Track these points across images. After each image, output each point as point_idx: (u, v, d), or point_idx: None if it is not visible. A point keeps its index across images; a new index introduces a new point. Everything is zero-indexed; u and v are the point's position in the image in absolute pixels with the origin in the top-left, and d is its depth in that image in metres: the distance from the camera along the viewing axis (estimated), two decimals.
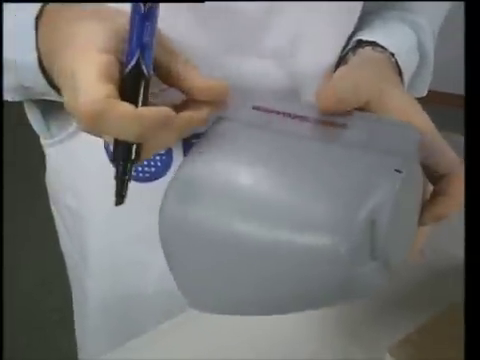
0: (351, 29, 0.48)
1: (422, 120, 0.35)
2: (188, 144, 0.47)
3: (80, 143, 0.52)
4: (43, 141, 0.56)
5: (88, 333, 0.62)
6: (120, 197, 0.31)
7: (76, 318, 0.67)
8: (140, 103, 0.30)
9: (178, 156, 0.49)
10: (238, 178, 0.31)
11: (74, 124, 0.50)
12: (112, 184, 0.48)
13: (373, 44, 0.44)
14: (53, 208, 0.62)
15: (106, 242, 0.55)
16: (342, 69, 0.40)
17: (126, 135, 0.29)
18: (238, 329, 0.46)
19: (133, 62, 0.31)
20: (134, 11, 0.31)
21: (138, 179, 0.50)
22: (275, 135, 0.33)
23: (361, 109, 0.35)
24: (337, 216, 0.28)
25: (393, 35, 0.46)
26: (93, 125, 0.28)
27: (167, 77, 0.34)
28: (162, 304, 0.55)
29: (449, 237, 0.51)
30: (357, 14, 0.47)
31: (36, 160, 0.74)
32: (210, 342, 0.47)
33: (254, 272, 0.30)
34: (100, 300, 0.58)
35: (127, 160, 0.30)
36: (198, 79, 0.33)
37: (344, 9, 0.45)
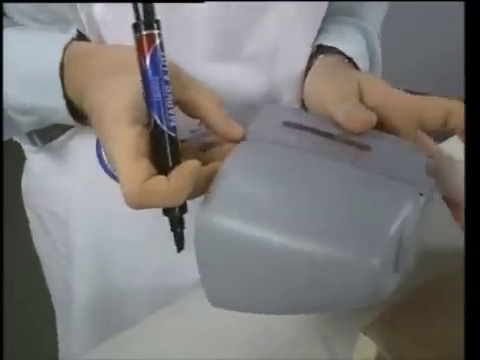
0: (315, 35, 0.50)
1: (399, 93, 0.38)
2: None
3: (70, 151, 0.51)
4: (26, 147, 0.55)
5: (74, 334, 0.62)
6: (180, 245, 0.34)
7: (59, 320, 0.66)
8: (170, 163, 0.32)
9: None
10: (276, 195, 0.32)
11: (66, 133, 0.50)
12: (101, 188, 0.48)
13: (332, 49, 0.47)
14: (28, 211, 0.61)
15: (94, 246, 0.55)
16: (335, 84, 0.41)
17: (171, 206, 0.32)
18: (218, 319, 0.46)
19: (152, 121, 0.31)
20: (140, 69, 0.31)
21: None
22: (307, 155, 0.34)
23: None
24: (371, 232, 0.31)
25: (348, 40, 0.50)
26: (139, 208, 0.31)
27: (192, 111, 0.35)
28: (151, 303, 0.55)
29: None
30: (321, 19, 0.49)
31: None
32: (192, 334, 0.48)
33: (287, 282, 0.32)
34: (87, 301, 0.58)
35: (177, 216, 0.33)
36: (221, 119, 0.35)
37: (313, 15, 0.48)
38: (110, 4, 0.40)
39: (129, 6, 0.30)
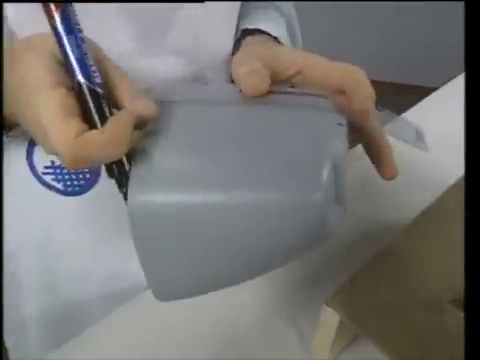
0: (236, 17, 0.51)
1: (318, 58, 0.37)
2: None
3: (5, 166, 0.49)
4: None
5: (27, 350, 0.60)
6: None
7: (9, 338, 0.62)
8: (98, 122, 0.31)
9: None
10: (201, 154, 0.31)
11: None
12: (38, 200, 0.47)
13: (257, 31, 0.48)
14: None
15: (39, 261, 0.54)
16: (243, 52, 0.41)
17: (111, 158, 0.31)
18: (178, 312, 0.47)
19: (75, 80, 0.31)
20: (54, 35, 0.30)
21: (68, 193, 0.49)
22: (220, 107, 0.33)
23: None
24: (307, 169, 0.30)
25: (271, 22, 0.51)
26: (79, 167, 0.30)
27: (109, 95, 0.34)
28: (107, 310, 0.54)
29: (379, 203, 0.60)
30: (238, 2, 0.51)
31: None
32: (153, 329, 0.48)
33: (233, 242, 0.31)
34: (39, 317, 0.57)
35: (121, 174, 0.32)
36: (128, 100, 0.33)
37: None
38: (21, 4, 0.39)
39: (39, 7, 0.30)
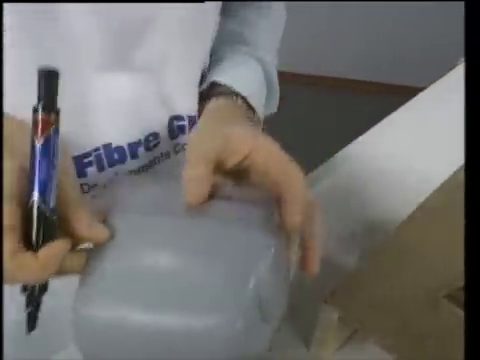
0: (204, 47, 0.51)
1: (268, 147, 0.38)
2: None
3: None
4: None
5: None
6: (31, 327, 0.34)
7: None
8: (35, 243, 0.32)
9: None
10: (137, 272, 0.33)
11: None
12: None
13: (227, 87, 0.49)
14: None
15: None
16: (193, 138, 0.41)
17: (35, 282, 0.33)
18: None
19: (31, 200, 0.31)
20: (31, 148, 0.31)
21: None
22: (160, 220, 0.35)
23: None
24: (229, 295, 0.32)
25: (244, 75, 0.52)
26: (7, 283, 0.31)
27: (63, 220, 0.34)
28: None
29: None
30: (206, 30, 0.50)
31: None
32: None
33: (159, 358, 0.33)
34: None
35: (35, 295, 0.33)
36: (84, 232, 0.34)
37: (197, 27, 0.48)
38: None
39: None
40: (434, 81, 0.87)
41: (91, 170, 0.47)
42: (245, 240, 0.34)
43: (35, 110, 0.31)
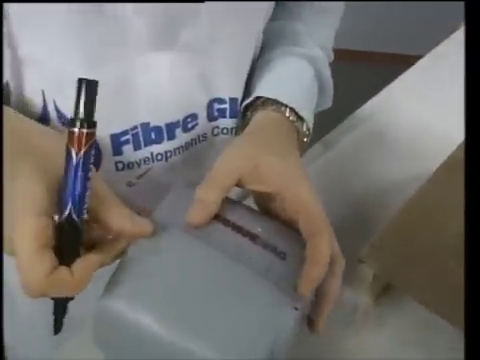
0: (253, 43, 0.50)
1: (297, 189, 0.39)
2: None
3: None
4: None
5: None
6: (57, 329, 0.35)
7: None
8: (69, 257, 0.32)
9: None
10: (171, 288, 0.34)
11: None
12: None
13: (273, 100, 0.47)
14: None
15: None
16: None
17: (70, 296, 0.33)
18: None
19: (66, 213, 0.31)
20: (67, 161, 0.31)
21: None
22: (214, 253, 0.36)
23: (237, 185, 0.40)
24: (246, 344, 0.34)
25: (293, 86, 0.50)
26: (38, 297, 0.31)
27: (95, 220, 0.34)
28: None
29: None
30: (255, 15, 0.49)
31: None
32: None
33: None
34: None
35: (63, 303, 0.34)
36: (128, 227, 0.34)
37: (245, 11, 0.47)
38: None
39: None
40: (431, 49, 0.86)
41: (127, 148, 0.47)
42: (275, 298, 0.35)
43: (73, 122, 0.30)
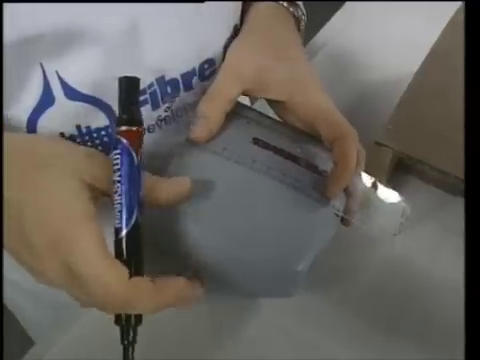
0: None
1: (307, 94, 0.38)
2: None
3: None
4: None
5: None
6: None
7: None
8: (133, 266, 0.30)
9: None
10: (225, 213, 0.37)
11: None
12: None
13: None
14: None
15: None
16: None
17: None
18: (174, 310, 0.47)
19: (134, 218, 0.30)
20: (127, 162, 0.29)
21: None
22: (256, 175, 0.38)
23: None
24: (299, 245, 0.38)
25: None
26: (124, 311, 0.29)
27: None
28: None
29: None
30: None
31: None
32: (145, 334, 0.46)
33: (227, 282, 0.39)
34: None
35: (132, 326, 0.31)
36: (166, 191, 0.33)
37: None
38: None
39: None
40: None
41: (145, 109, 0.44)
42: (319, 213, 0.38)
43: (128, 121, 0.30)
